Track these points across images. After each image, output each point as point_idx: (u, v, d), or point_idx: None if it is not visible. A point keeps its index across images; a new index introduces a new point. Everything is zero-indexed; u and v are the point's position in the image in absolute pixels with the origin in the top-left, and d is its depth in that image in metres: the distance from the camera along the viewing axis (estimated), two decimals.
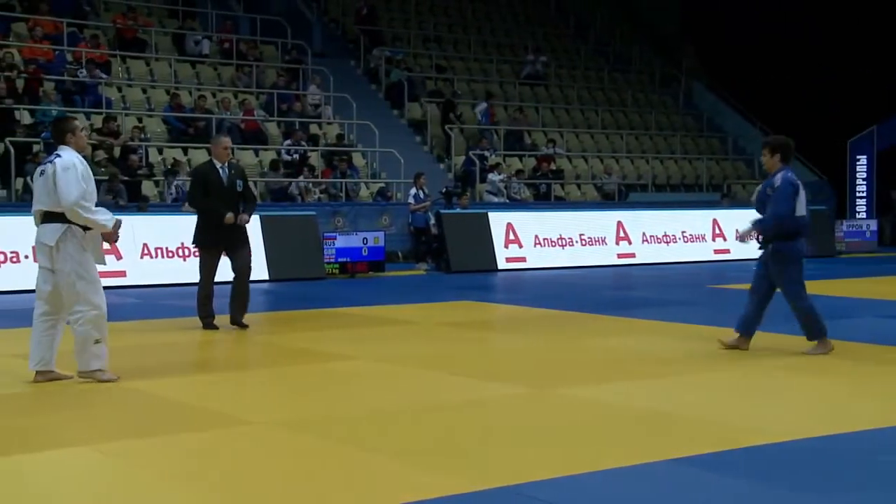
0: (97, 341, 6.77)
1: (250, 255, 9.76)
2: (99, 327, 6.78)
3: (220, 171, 9.56)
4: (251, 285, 9.84)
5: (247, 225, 9.64)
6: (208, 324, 9.55)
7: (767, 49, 26.73)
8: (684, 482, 4.77)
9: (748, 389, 7.08)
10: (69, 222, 6.70)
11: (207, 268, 9.64)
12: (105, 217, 6.79)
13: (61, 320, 6.89)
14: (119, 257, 13.28)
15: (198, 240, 9.66)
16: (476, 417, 6.13)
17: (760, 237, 8.24)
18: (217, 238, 9.51)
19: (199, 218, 9.67)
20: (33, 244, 7.09)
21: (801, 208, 8.07)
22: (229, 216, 9.42)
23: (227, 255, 9.63)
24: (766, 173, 8.33)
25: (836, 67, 25.26)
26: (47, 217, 6.74)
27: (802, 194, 8.09)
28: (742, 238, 8.58)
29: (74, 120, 7.25)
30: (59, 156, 6.75)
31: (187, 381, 7.11)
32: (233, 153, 12.49)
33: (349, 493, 4.62)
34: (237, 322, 9.62)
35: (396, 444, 5.41)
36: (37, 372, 6.86)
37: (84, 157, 6.90)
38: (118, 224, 6.86)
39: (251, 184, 10.72)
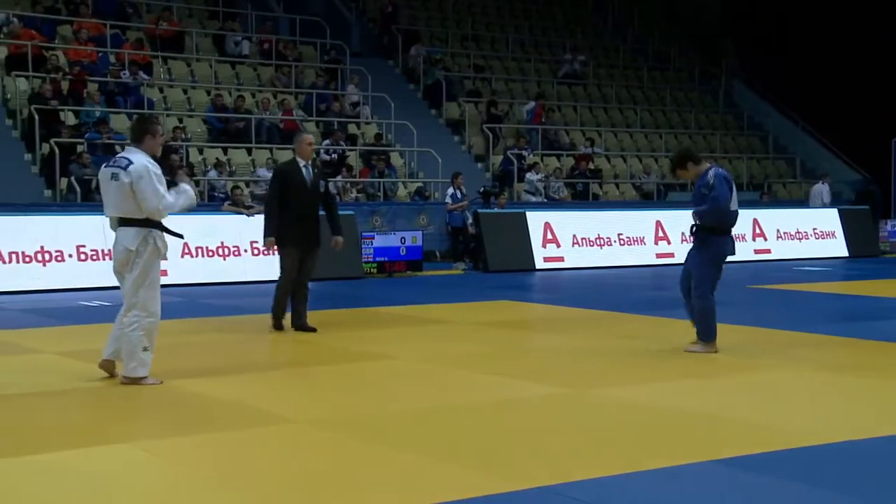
0: (146, 349, 6.81)
1: (317, 261, 9.54)
2: (151, 336, 6.83)
3: (304, 170, 9.25)
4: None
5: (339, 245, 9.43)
6: (279, 324, 9.35)
7: (809, 46, 26.41)
8: (724, 483, 4.74)
9: (789, 390, 7.01)
10: (148, 226, 6.78)
11: (291, 269, 9.29)
12: (185, 196, 6.91)
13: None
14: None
15: (280, 239, 9.23)
16: (513, 417, 6.13)
17: (695, 226, 8.31)
18: (298, 238, 9.19)
19: (273, 216, 9.21)
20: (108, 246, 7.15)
21: (734, 203, 8.25)
22: (339, 240, 9.37)
23: (300, 254, 9.30)
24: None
25: (881, 64, 24.90)
26: (125, 222, 6.80)
27: (734, 189, 8.29)
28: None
29: (157, 123, 7.25)
30: (130, 162, 6.72)
31: (228, 380, 7.19)
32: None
33: (386, 492, 4.66)
34: (307, 327, 9.34)
35: (434, 444, 5.44)
36: (103, 359, 6.95)
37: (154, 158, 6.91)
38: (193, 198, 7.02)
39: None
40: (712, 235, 8.23)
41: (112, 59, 19.32)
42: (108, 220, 6.97)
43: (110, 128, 17.22)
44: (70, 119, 17.29)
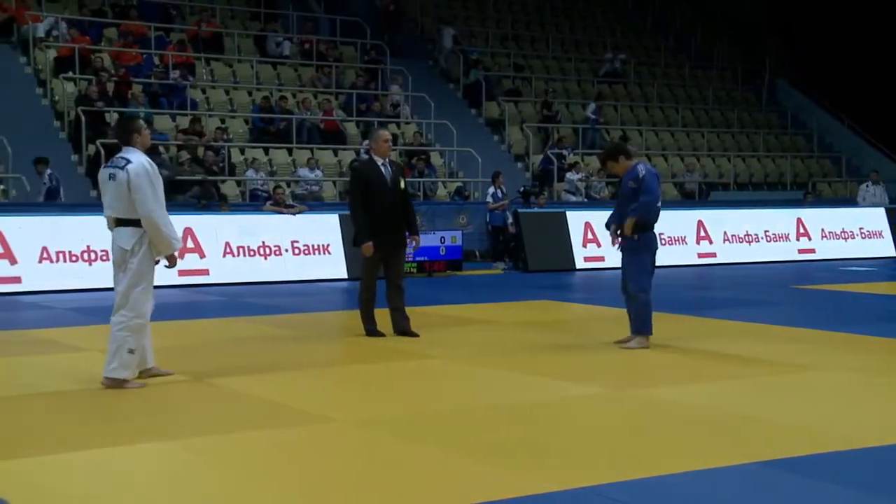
0: (131, 351, 6.72)
1: (404, 262, 9.32)
2: (138, 336, 6.74)
3: (383, 168, 8.88)
4: (333, 284, 9.79)
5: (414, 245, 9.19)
6: (372, 331, 8.97)
7: (854, 43, 26.05)
8: (764, 485, 4.69)
9: (830, 391, 6.92)
10: (140, 226, 6.71)
11: (372, 270, 8.97)
12: (175, 237, 6.78)
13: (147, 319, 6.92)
14: (202, 255, 13.59)
15: (366, 239, 8.80)
16: (554, 417, 6.11)
17: (622, 230, 8.28)
18: (384, 239, 8.82)
19: (361, 217, 8.83)
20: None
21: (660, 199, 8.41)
22: (418, 239, 9.15)
23: (385, 258, 8.94)
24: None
25: None
26: (122, 222, 6.77)
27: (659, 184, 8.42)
28: (622, 234, 8.37)
29: (139, 119, 7.26)
30: (129, 161, 6.70)
31: (269, 379, 7.24)
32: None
33: (426, 491, 4.66)
34: (408, 331, 9.01)
35: (474, 444, 5.43)
36: (140, 372, 6.91)
37: (148, 155, 6.88)
38: (175, 260, 6.81)
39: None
40: (646, 232, 8.30)
41: (156, 60, 19.56)
42: (105, 220, 6.90)
43: (154, 128, 17.43)
44: (115, 120, 17.51)
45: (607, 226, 8.65)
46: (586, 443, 5.49)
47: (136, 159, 6.72)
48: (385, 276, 9.02)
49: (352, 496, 4.58)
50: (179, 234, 13.77)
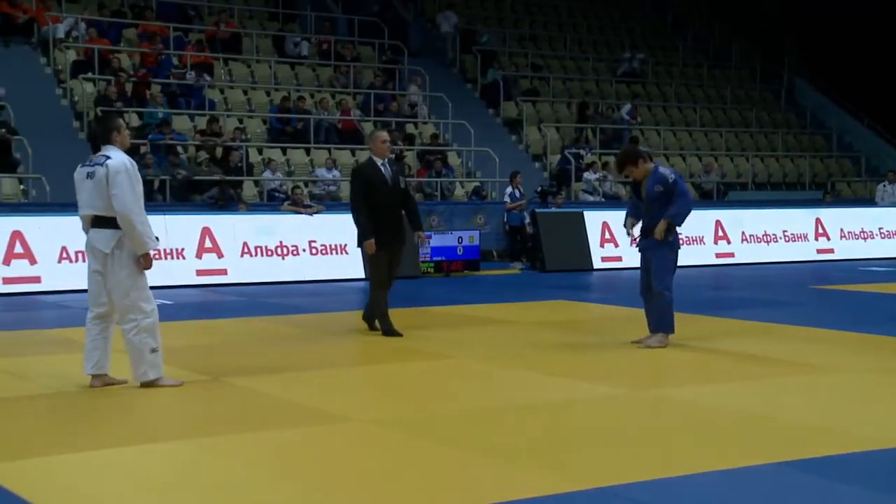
0: (153, 350, 6.63)
1: (402, 259, 9.44)
2: (154, 335, 6.65)
3: (383, 168, 9.03)
4: (351, 284, 9.83)
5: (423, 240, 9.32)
6: (389, 330, 9.01)
7: (874, 42, 25.88)
8: (782, 486, 4.67)
9: (849, 392, 6.88)
10: (118, 227, 6.53)
11: (381, 269, 9.05)
12: (150, 237, 6.57)
13: (112, 322, 6.79)
14: (220, 255, 13.65)
15: (369, 237, 8.93)
16: (571, 417, 6.10)
17: (653, 233, 8.31)
18: (387, 238, 8.96)
19: (364, 217, 8.94)
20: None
21: None
22: (423, 235, 9.31)
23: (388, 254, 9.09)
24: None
25: None
26: (99, 222, 6.59)
27: None
28: (658, 236, 8.33)
29: (119, 118, 7.10)
30: (108, 157, 6.53)
31: (287, 378, 7.26)
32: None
33: (444, 491, 4.66)
34: (393, 332, 9.09)
35: (491, 444, 5.43)
36: (92, 376, 6.74)
37: (130, 154, 6.77)
38: (150, 261, 6.61)
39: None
40: (673, 231, 8.36)
41: (175, 60, 19.65)
42: (80, 220, 6.76)
43: (172, 129, 17.51)
44: (134, 121, 17.61)
45: (625, 224, 8.67)
46: (604, 443, 5.48)
47: (117, 156, 6.56)
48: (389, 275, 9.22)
49: (369, 496, 4.59)
50: (197, 234, 13.91)
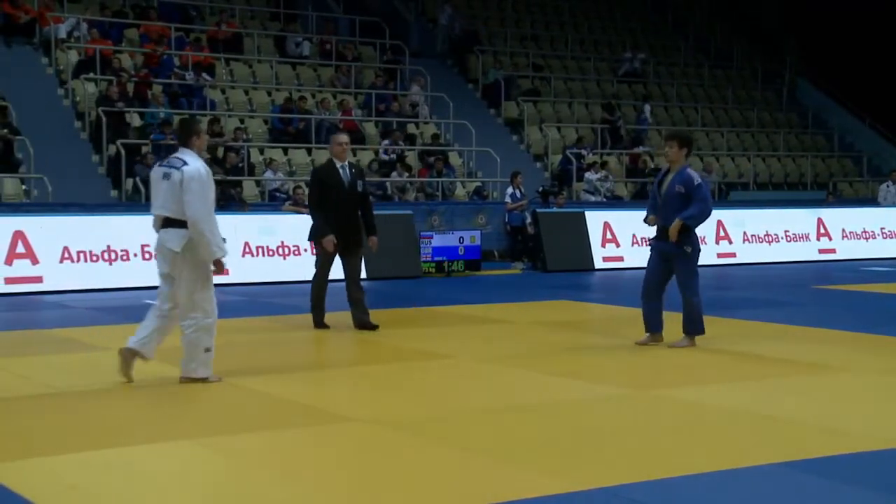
0: (207, 349, 6.83)
1: (361, 260, 9.65)
2: (211, 335, 6.84)
3: (341, 170, 9.29)
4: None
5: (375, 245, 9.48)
6: (319, 322, 9.44)
7: (875, 42, 25.86)
8: (785, 486, 4.67)
9: (852, 392, 6.87)
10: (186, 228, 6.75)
11: (325, 265, 9.41)
12: (218, 245, 6.73)
13: (174, 321, 6.94)
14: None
15: (326, 233, 9.21)
16: (572, 418, 6.10)
17: (668, 233, 8.25)
18: (339, 239, 9.22)
19: (318, 215, 9.30)
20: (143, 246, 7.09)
21: None
22: (374, 240, 9.42)
23: (341, 256, 9.36)
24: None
25: None
26: (170, 222, 6.77)
27: None
28: (672, 236, 8.26)
29: (200, 122, 7.38)
30: (185, 163, 6.72)
31: (288, 378, 7.25)
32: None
33: (445, 491, 4.66)
34: (369, 325, 9.38)
35: (492, 444, 5.43)
36: (126, 347, 6.83)
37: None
38: (222, 266, 6.75)
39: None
40: (691, 233, 8.29)
41: (176, 61, 19.66)
42: (152, 219, 6.95)
43: (174, 129, 17.51)
44: (136, 121, 17.62)
45: (647, 219, 8.55)
46: (604, 443, 5.48)
47: (193, 162, 6.74)
48: (344, 274, 9.46)
49: (372, 495, 4.59)
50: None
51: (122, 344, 6.90)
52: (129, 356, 6.85)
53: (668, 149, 8.34)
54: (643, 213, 8.54)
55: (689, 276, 8.31)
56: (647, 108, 23.40)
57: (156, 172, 6.95)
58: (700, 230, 11.53)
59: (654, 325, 8.49)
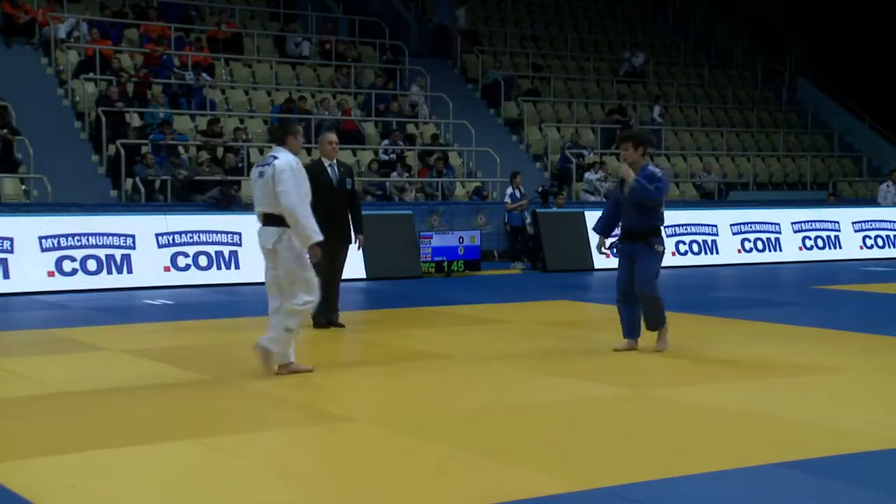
0: (288, 329, 7.07)
1: (345, 260, 9.75)
2: (297, 320, 7.13)
3: (330, 169, 9.45)
4: (352, 284, 9.88)
5: (360, 243, 9.60)
6: (319, 323, 9.44)
7: (875, 42, 25.87)
8: (785, 486, 4.67)
9: (852, 392, 6.87)
10: (285, 225, 7.01)
11: (322, 263, 9.55)
12: (313, 231, 7.00)
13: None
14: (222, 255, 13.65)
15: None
16: (572, 417, 6.10)
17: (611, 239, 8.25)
18: (328, 237, 9.39)
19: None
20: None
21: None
22: (361, 238, 9.53)
23: (328, 254, 9.56)
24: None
25: None
26: (268, 219, 7.10)
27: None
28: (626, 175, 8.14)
29: (297, 125, 7.60)
30: (276, 157, 7.05)
31: (290, 378, 7.24)
32: None
33: (443, 491, 4.66)
34: (335, 322, 9.64)
35: (491, 444, 5.43)
36: (279, 366, 7.12)
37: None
38: (318, 252, 7.10)
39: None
40: (661, 234, 8.17)
41: (176, 61, 19.66)
42: (256, 216, 7.28)
43: (174, 129, 17.51)
44: (135, 121, 17.62)
45: (597, 230, 8.47)
46: (604, 443, 5.48)
47: (284, 157, 7.08)
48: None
49: (373, 495, 4.59)
50: (200, 231, 13.88)
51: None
52: (263, 353, 7.12)
53: (624, 150, 8.20)
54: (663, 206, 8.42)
55: (650, 272, 8.05)
56: (657, 108, 23.37)
57: (253, 173, 7.32)
58: (700, 230, 11.71)
59: (632, 332, 8.28)
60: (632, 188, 7.98)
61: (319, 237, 7.07)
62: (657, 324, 8.21)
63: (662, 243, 8.17)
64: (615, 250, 8.41)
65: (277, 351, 7.08)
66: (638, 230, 8.11)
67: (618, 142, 8.55)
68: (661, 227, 8.21)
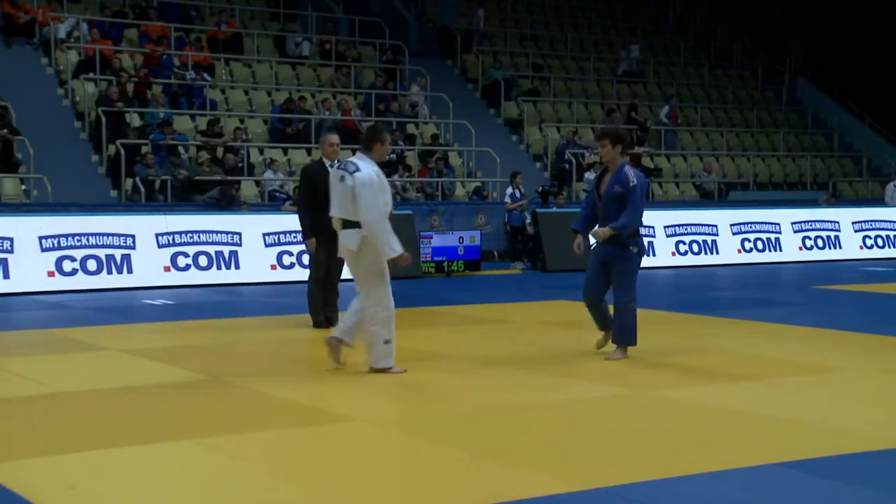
0: (386, 341, 7.16)
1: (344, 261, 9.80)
2: (388, 327, 7.16)
3: (330, 169, 9.28)
4: (351, 284, 9.88)
5: None
6: (319, 323, 9.44)
7: (875, 42, 25.87)
8: (785, 486, 4.67)
9: (853, 392, 6.87)
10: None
11: (320, 265, 9.45)
12: (391, 245, 7.02)
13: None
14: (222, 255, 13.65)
15: (309, 236, 9.34)
16: (572, 418, 6.10)
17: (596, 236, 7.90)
18: (328, 238, 9.10)
19: (306, 215, 9.37)
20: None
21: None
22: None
23: (327, 255, 9.40)
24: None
25: None
26: (347, 224, 7.14)
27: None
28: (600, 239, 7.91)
29: (387, 132, 7.55)
30: (358, 169, 7.03)
31: (289, 379, 7.25)
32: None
33: (444, 491, 4.66)
34: (334, 322, 9.62)
35: (491, 444, 5.43)
36: (331, 336, 7.33)
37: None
38: (406, 258, 7.12)
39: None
40: (638, 234, 7.81)
41: (176, 61, 19.66)
42: (333, 219, 7.32)
43: (174, 129, 17.51)
44: (135, 121, 17.62)
45: (575, 229, 8.14)
46: (604, 443, 5.48)
47: (366, 168, 7.06)
48: (326, 271, 9.56)
49: (369, 496, 4.59)
50: (203, 230, 13.92)
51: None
52: (335, 343, 7.30)
53: (602, 148, 7.91)
54: (643, 213, 8.26)
55: (627, 277, 7.75)
56: (666, 108, 23.34)
57: (333, 175, 7.37)
58: (700, 230, 11.73)
59: (607, 324, 8.04)
60: (623, 228, 7.66)
61: (396, 253, 7.06)
62: (627, 340, 7.82)
63: (639, 244, 7.84)
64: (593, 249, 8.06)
65: (390, 364, 7.23)
66: (597, 231, 7.83)
67: (597, 138, 8.19)
68: (639, 229, 7.83)
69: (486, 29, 24.76)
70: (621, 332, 7.85)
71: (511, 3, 27.00)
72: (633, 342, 7.87)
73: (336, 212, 7.22)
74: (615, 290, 7.82)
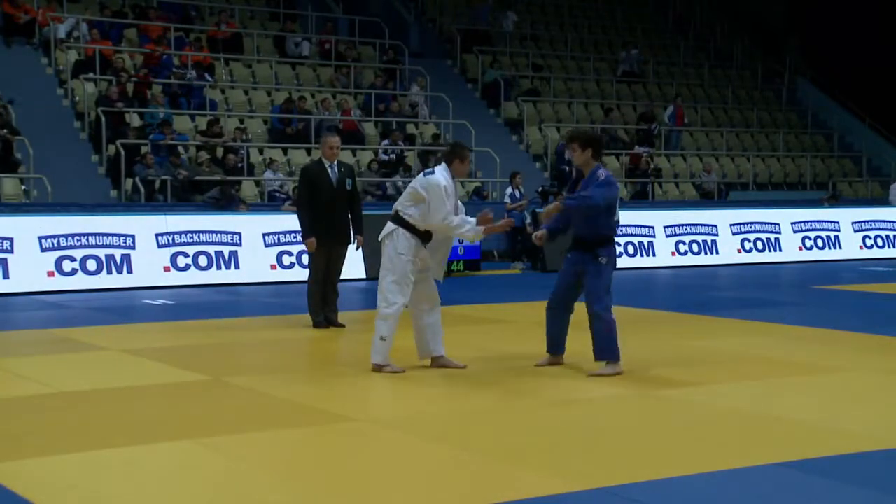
0: (382, 338, 7.21)
1: (344, 260, 9.77)
2: (388, 325, 7.20)
3: (330, 169, 9.52)
4: (351, 284, 9.93)
5: (359, 243, 9.65)
6: (319, 323, 9.49)
7: (875, 42, 25.86)
8: (786, 486, 4.67)
9: (855, 392, 6.87)
10: (399, 224, 7.17)
11: (319, 264, 9.48)
12: (466, 229, 7.13)
13: (426, 311, 7.40)
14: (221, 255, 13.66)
15: (308, 235, 9.38)
16: (574, 418, 6.10)
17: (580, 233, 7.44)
18: (327, 236, 9.40)
19: (305, 215, 9.41)
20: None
21: (617, 212, 7.39)
22: (360, 238, 9.59)
23: (327, 255, 9.51)
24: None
25: None
26: (391, 216, 7.29)
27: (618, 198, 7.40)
28: (543, 217, 7.70)
29: (469, 150, 7.53)
30: (431, 172, 7.20)
31: (288, 379, 7.26)
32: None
33: (446, 491, 4.66)
34: (334, 322, 9.67)
35: (494, 444, 5.43)
36: (432, 359, 7.43)
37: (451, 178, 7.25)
38: (502, 224, 7.35)
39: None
40: (610, 245, 7.40)
41: (176, 61, 19.66)
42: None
43: (174, 129, 17.51)
44: (135, 121, 17.62)
45: (534, 236, 7.74)
46: (607, 443, 5.48)
47: (439, 172, 7.18)
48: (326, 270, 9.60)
49: (373, 495, 4.59)
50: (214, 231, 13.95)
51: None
52: (436, 364, 7.44)
53: (572, 152, 7.43)
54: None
55: (600, 287, 7.31)
56: (670, 108, 23.30)
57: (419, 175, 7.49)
58: (700, 230, 11.73)
59: (557, 346, 7.65)
60: (568, 207, 7.26)
61: (474, 229, 7.13)
62: (608, 354, 7.29)
63: (609, 254, 7.37)
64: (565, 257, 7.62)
65: (382, 361, 7.25)
66: (586, 239, 7.36)
67: (566, 141, 7.65)
68: (613, 237, 7.43)
69: (514, 31, 24.83)
70: (599, 347, 7.35)
71: (511, 3, 27.00)
72: (615, 357, 7.28)
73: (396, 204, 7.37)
74: (587, 300, 7.39)
